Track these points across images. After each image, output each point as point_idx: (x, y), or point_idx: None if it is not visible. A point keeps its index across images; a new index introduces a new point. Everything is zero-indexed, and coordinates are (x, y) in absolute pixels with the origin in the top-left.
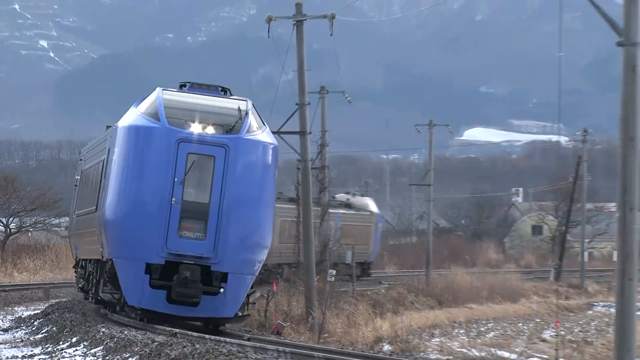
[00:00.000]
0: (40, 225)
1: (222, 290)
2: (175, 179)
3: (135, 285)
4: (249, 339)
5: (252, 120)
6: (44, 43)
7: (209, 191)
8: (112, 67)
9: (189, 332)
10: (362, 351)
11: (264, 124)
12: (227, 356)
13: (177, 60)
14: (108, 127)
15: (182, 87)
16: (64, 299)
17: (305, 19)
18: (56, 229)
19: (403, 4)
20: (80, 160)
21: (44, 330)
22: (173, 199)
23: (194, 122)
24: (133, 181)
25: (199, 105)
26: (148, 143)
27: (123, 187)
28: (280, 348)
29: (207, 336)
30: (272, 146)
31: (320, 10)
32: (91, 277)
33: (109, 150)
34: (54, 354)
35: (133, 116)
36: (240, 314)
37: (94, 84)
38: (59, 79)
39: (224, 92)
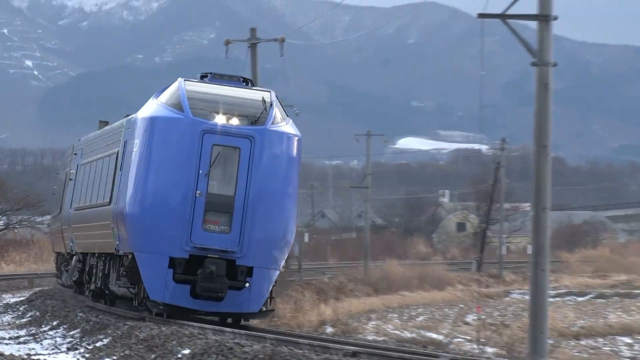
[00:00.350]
0: (25, 222)
1: (247, 284)
2: (200, 171)
3: (159, 279)
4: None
5: (277, 111)
6: (29, 63)
7: (234, 184)
8: (89, 84)
9: (156, 317)
10: (308, 333)
11: (288, 116)
12: (189, 337)
13: (146, 78)
14: (102, 122)
15: (203, 77)
16: (46, 288)
17: (258, 42)
18: (39, 225)
19: (344, 29)
20: (75, 154)
21: (28, 315)
22: (198, 192)
23: (218, 113)
24: (156, 173)
25: (223, 96)
26: (172, 134)
27: (145, 179)
28: (236, 330)
29: (172, 320)
30: (297, 138)
31: (272, 34)
32: (94, 270)
33: (125, 142)
34: (37, 336)
35: (154, 107)
36: (264, 308)
37: (73, 99)
38: (42, 95)
39: (246, 82)
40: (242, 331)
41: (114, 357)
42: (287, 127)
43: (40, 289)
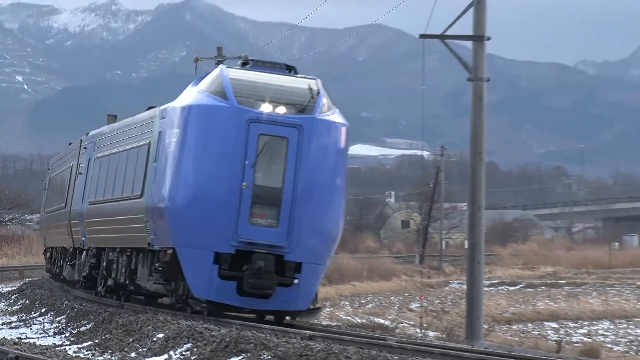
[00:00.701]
0: (16, 220)
1: (296, 281)
2: (246, 162)
3: (203, 276)
4: (179, 309)
5: (324, 100)
6: (19, 78)
7: (281, 175)
8: (73, 97)
9: (134, 305)
10: (269, 320)
11: (334, 105)
12: (163, 322)
13: (124, 91)
14: (110, 116)
15: (244, 65)
16: (36, 279)
17: (224, 59)
18: (29, 223)
19: (300, 48)
20: (85, 148)
21: (19, 303)
22: (244, 184)
23: (263, 101)
24: (199, 164)
25: (267, 84)
26: (216, 123)
27: (188, 171)
28: (205, 317)
29: (148, 307)
30: (344, 127)
31: (236, 53)
32: (115, 266)
33: (160, 132)
34: (27, 321)
35: (195, 95)
36: (312, 306)
37: (59, 110)
38: (32, 106)
39: (289, 70)
40: (211, 318)
41: (96, 341)
42: (335, 116)
43: (30, 279)
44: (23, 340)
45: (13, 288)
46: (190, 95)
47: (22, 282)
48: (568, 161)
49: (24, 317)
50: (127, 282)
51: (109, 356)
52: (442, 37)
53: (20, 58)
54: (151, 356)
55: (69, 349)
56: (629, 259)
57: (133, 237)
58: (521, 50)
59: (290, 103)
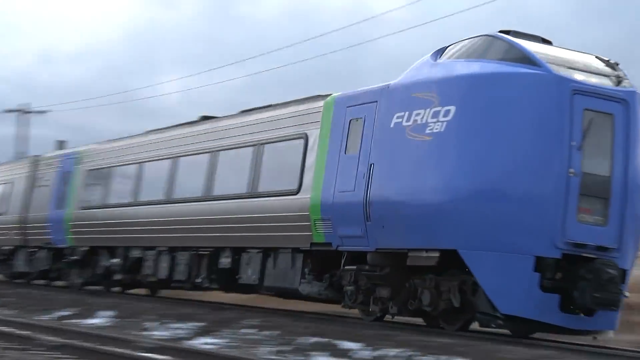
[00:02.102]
0: None
1: (627, 294)
2: (572, 143)
3: (517, 287)
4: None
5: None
6: None
7: (608, 160)
8: None
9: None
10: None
11: None
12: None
13: None
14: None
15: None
16: None
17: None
18: None
19: None
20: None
21: None
22: (571, 170)
23: (574, 69)
24: (501, 147)
25: (559, 54)
26: (525, 95)
27: (480, 154)
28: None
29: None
30: None
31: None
32: (252, 267)
33: (352, 120)
34: None
35: (464, 65)
36: None
37: None
38: None
39: (545, 43)
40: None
41: None
42: None
43: None
44: None
45: None
46: (457, 65)
47: None
48: None
49: None
50: (254, 282)
51: None
52: None
53: None
54: None
55: None
56: None
57: (282, 236)
58: None
59: (602, 74)
